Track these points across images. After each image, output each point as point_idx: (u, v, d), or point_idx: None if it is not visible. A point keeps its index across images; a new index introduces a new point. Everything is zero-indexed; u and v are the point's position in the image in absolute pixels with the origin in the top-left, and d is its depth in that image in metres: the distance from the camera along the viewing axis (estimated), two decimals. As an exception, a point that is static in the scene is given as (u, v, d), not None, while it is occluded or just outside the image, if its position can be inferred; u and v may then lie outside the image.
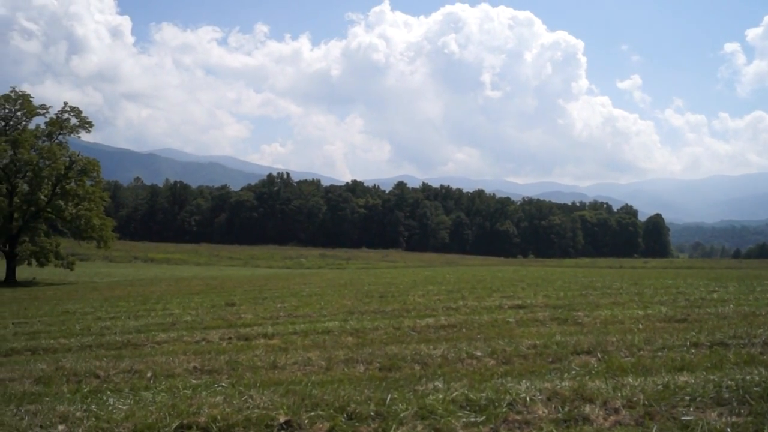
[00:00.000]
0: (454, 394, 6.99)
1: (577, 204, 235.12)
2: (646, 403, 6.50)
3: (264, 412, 6.68)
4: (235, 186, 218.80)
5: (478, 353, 10.38)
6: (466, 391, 7.09)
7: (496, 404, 6.64)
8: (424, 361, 10.03)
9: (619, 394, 6.79)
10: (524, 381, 7.62)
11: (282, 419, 6.49)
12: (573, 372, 8.42)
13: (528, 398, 6.75)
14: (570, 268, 73.79)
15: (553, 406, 6.60)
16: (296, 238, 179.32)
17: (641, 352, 9.82)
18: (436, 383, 7.74)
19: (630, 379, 7.48)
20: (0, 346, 15.12)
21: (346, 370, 9.78)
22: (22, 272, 55.54)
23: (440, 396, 6.97)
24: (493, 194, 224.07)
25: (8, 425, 6.81)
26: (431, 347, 11.06)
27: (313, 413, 6.59)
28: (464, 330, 13.77)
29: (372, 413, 6.56)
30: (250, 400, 7.15)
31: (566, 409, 6.46)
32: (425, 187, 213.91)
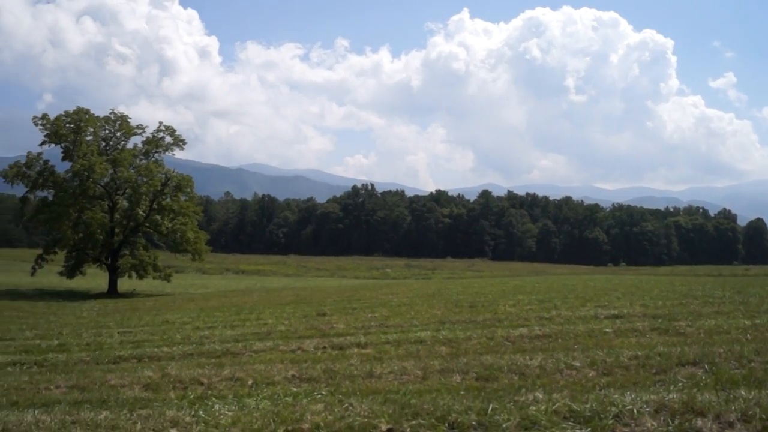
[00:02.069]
0: (557, 405, 6.86)
1: (671, 209, 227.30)
2: (763, 416, 6.20)
3: (366, 420, 6.73)
4: (321, 198, 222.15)
5: (577, 363, 10.15)
6: (568, 402, 6.94)
7: (602, 416, 6.48)
8: (521, 372, 9.89)
9: (733, 408, 6.50)
10: (628, 392, 7.40)
11: (384, 428, 6.53)
12: (680, 384, 8.11)
13: (635, 410, 6.55)
14: (666, 276, 71.14)
15: (662, 418, 6.39)
16: (381, 248, 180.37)
17: (752, 364, 9.36)
18: (537, 394, 7.61)
19: (743, 392, 7.15)
20: (109, 353, 15.80)
21: (442, 379, 9.74)
22: (123, 284, 57.93)
23: (542, 407, 6.84)
24: (581, 201, 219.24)
25: (123, 429, 7.11)
26: (527, 357, 10.90)
27: (414, 422, 6.59)
28: (560, 340, 13.50)
29: (474, 423, 6.51)
30: (350, 408, 7.22)
31: (676, 422, 6.23)
32: (510, 195, 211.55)
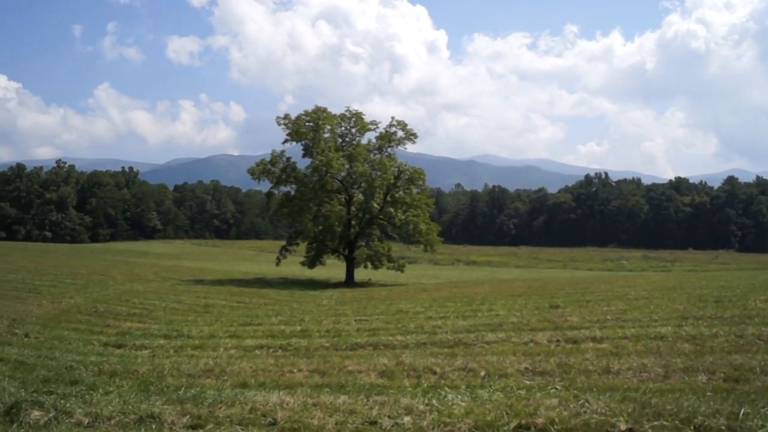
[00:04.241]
0: (822, 414, 6.19)
1: None
2: None
3: (603, 418, 6.54)
4: (552, 188, 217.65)
5: None
6: (836, 412, 6.24)
7: None
8: (777, 374, 9.03)
9: None
10: None
11: (623, 427, 6.31)
12: None
13: None
14: None
15: None
16: (616, 239, 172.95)
17: None
18: (797, 400, 6.93)
19: None
20: (346, 340, 16.72)
21: (686, 379, 9.17)
22: (359, 274, 60.82)
23: (804, 415, 6.22)
24: None
25: (360, 413, 7.54)
26: (784, 359, 9.93)
27: (656, 423, 6.30)
28: (824, 341, 12.11)
29: (722, 427, 6.09)
30: (586, 405, 7.06)
31: None
32: (760, 181, 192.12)
